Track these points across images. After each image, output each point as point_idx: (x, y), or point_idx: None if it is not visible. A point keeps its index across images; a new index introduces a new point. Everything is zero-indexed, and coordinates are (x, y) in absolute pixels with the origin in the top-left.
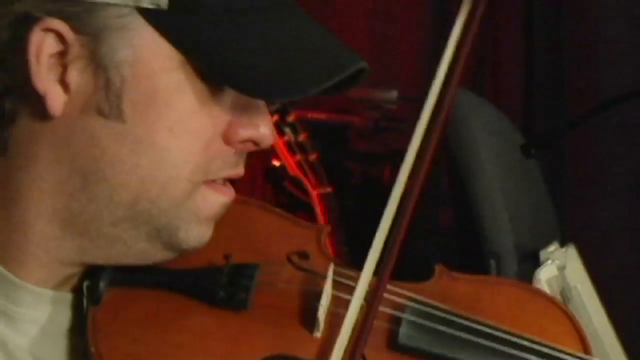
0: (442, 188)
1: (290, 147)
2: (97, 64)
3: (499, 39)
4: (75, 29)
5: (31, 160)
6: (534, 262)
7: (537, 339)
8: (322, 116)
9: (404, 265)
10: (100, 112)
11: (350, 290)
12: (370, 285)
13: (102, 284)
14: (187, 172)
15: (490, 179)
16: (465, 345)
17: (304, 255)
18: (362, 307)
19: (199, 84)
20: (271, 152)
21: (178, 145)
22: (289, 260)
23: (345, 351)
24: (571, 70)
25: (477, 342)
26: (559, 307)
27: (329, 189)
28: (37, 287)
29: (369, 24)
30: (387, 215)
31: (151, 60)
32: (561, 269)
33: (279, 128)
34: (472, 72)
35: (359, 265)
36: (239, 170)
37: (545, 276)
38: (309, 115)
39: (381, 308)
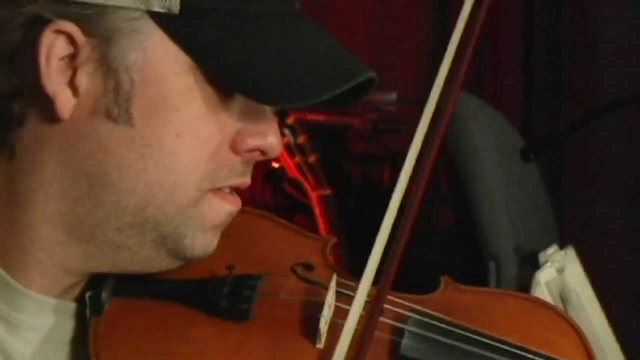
0: (441, 191)
1: (290, 149)
2: (107, 67)
3: (498, 40)
4: (85, 31)
5: (38, 164)
6: (533, 265)
7: (542, 351)
8: (321, 118)
9: (407, 274)
10: (109, 116)
11: (352, 300)
12: (371, 296)
13: (104, 294)
14: (195, 179)
15: (489, 182)
16: (467, 356)
17: (308, 267)
18: (362, 318)
19: (208, 90)
20: None
21: (186, 151)
22: (293, 271)
23: None
24: (571, 71)
25: (480, 354)
26: (566, 320)
27: (328, 191)
28: (39, 295)
29: (368, 25)
30: (385, 223)
31: (161, 64)
32: (560, 271)
33: None
34: (472, 73)
35: (361, 276)
36: (246, 180)
37: (544, 278)
38: (309, 117)
39: (383, 319)
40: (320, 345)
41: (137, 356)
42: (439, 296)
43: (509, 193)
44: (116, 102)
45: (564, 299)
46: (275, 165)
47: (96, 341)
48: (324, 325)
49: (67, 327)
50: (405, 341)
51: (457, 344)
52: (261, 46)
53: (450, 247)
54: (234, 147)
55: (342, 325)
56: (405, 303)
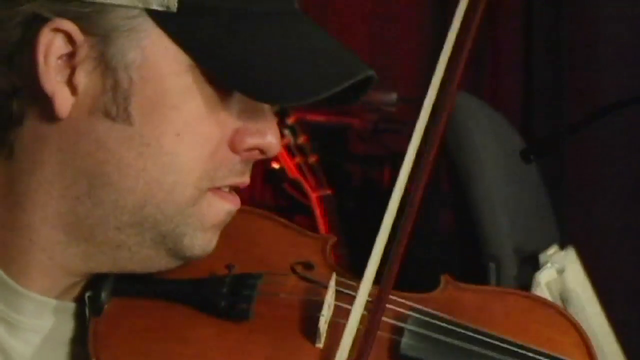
0: (441, 191)
1: (290, 150)
2: (106, 65)
3: (498, 41)
4: (84, 30)
5: (38, 164)
6: (534, 265)
7: (542, 350)
8: (321, 118)
9: (407, 273)
10: (108, 115)
11: (352, 300)
12: (372, 295)
13: (103, 295)
14: (193, 178)
15: (489, 182)
16: (467, 355)
17: (308, 266)
18: (364, 317)
19: (207, 89)
20: None
21: (185, 150)
22: (293, 270)
23: None
24: (571, 71)
25: (480, 353)
26: (566, 318)
27: (328, 191)
28: (39, 296)
29: (368, 25)
30: (385, 223)
31: (159, 62)
32: (560, 272)
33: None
34: (472, 74)
35: (361, 275)
36: (245, 179)
37: (544, 279)
38: (308, 117)
39: (383, 318)
40: (320, 344)
41: (136, 356)
42: (439, 295)
43: (509, 193)
44: (114, 100)
45: (564, 299)
46: (276, 165)
47: (96, 341)
48: (323, 324)
49: (67, 327)
50: (405, 340)
51: (457, 342)
52: (260, 45)
53: (450, 248)
54: (233, 146)
55: (342, 325)
56: (405, 302)
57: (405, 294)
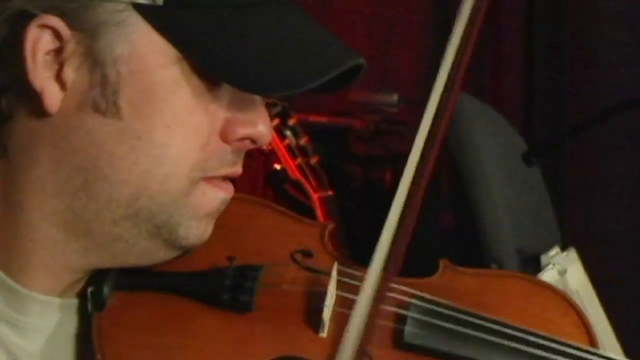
0: (443, 192)
1: (292, 151)
2: (94, 60)
3: (499, 42)
4: (71, 25)
5: (32, 161)
6: (535, 267)
7: (543, 333)
8: (323, 119)
9: (407, 259)
10: (97, 109)
11: (354, 289)
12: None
13: (106, 289)
14: (186, 169)
15: (491, 184)
16: (471, 341)
17: (307, 254)
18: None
19: (196, 81)
20: (272, 155)
21: (176, 141)
22: (293, 259)
23: (353, 351)
24: (571, 73)
25: (483, 339)
26: (565, 299)
27: (330, 192)
28: (43, 296)
29: (369, 27)
30: (393, 212)
31: (147, 56)
32: (562, 273)
33: (280, 131)
34: (473, 75)
35: (361, 263)
36: (237, 169)
37: (546, 280)
38: (310, 118)
39: (386, 306)
40: (324, 334)
41: (140, 350)
42: (438, 280)
43: (510, 195)
44: (103, 95)
45: None
46: (277, 167)
47: (100, 336)
48: (327, 314)
49: (72, 324)
50: (409, 328)
51: (460, 329)
52: (247, 36)
53: (452, 249)
54: (224, 136)
55: (345, 314)
56: (406, 289)
57: (405, 279)
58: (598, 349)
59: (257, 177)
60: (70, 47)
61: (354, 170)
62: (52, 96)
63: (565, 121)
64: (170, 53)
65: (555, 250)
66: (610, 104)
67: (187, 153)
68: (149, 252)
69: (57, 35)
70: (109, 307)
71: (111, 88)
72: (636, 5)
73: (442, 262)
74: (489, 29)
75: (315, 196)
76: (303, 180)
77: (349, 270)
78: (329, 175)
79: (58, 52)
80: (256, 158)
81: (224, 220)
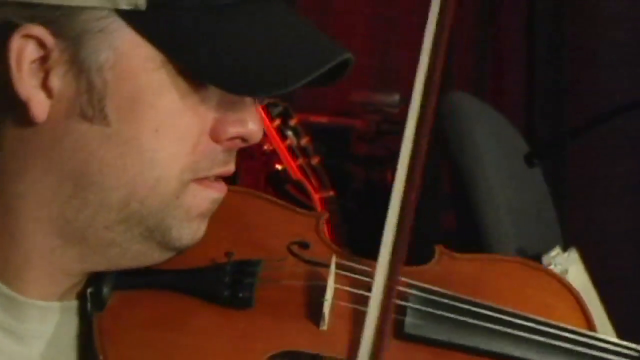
0: (443, 192)
1: (293, 151)
2: (79, 67)
3: (500, 41)
4: (55, 34)
5: (23, 170)
6: None
7: (541, 318)
8: (324, 120)
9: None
10: (85, 116)
11: (353, 281)
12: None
13: (105, 289)
14: (176, 172)
15: (492, 184)
16: (471, 330)
17: (304, 245)
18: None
19: (182, 83)
20: (273, 156)
21: (165, 145)
22: (290, 251)
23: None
24: (572, 73)
25: (483, 326)
26: (561, 282)
27: (331, 193)
28: (42, 302)
29: (369, 27)
30: (393, 204)
31: (132, 61)
32: (563, 274)
33: (281, 132)
34: (473, 75)
35: (359, 254)
36: (229, 168)
37: None
38: (311, 119)
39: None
40: (324, 327)
41: (142, 348)
42: (434, 267)
43: (511, 195)
44: (90, 102)
45: None
46: (279, 167)
47: (101, 336)
48: (327, 307)
49: (72, 326)
50: (409, 319)
51: (460, 318)
52: (231, 36)
53: (452, 249)
54: (215, 136)
55: (344, 307)
56: (404, 279)
57: (402, 268)
58: (595, 330)
59: (258, 177)
60: (55, 55)
61: (355, 170)
62: (39, 105)
63: (566, 122)
64: (155, 57)
65: (556, 251)
66: (610, 104)
67: (176, 156)
68: (143, 255)
69: (41, 44)
70: (109, 307)
71: (97, 95)
72: (637, 6)
73: (438, 249)
74: (489, 29)
75: (316, 196)
76: (304, 180)
77: (348, 263)
78: (330, 175)
79: (43, 60)
80: (257, 159)
81: (218, 213)
